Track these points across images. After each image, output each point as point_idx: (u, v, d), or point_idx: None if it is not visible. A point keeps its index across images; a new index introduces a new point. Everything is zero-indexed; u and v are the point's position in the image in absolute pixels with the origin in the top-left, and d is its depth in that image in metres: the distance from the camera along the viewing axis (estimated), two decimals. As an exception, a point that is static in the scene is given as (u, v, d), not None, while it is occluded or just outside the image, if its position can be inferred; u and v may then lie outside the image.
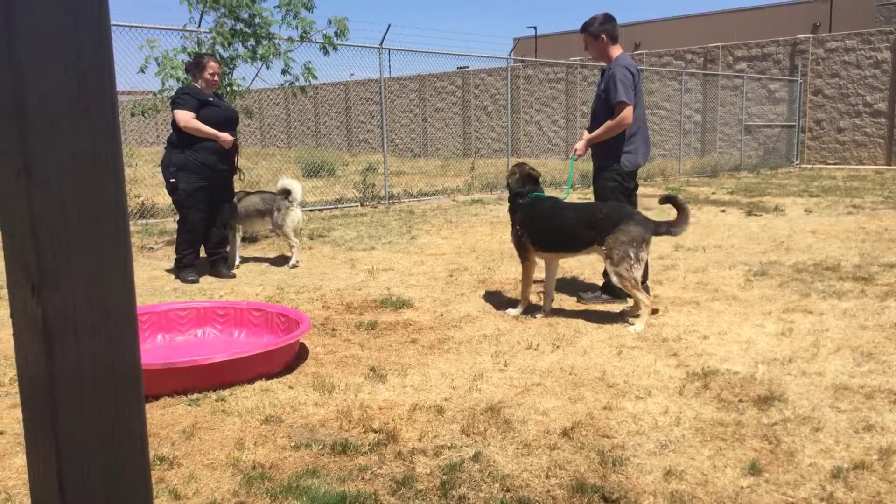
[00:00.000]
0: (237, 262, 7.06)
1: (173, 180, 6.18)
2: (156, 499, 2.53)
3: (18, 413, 3.10)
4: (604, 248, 4.83)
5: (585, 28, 5.45)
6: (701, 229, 9.09)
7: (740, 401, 3.43)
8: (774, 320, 4.85)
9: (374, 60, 12.95)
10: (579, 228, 4.94)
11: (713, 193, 13.69)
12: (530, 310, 5.17)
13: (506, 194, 5.71)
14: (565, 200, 5.38)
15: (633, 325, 4.76)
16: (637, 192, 5.61)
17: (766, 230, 8.93)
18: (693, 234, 8.66)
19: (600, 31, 5.37)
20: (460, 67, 27.28)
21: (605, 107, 5.32)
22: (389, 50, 13.27)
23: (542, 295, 5.27)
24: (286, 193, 6.95)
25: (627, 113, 5.19)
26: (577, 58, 24.05)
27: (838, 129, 21.50)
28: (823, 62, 21.64)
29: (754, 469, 2.73)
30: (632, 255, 4.76)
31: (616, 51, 5.41)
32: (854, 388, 3.58)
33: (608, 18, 5.41)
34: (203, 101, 6.11)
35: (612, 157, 5.35)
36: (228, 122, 6.28)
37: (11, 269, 0.88)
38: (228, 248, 6.89)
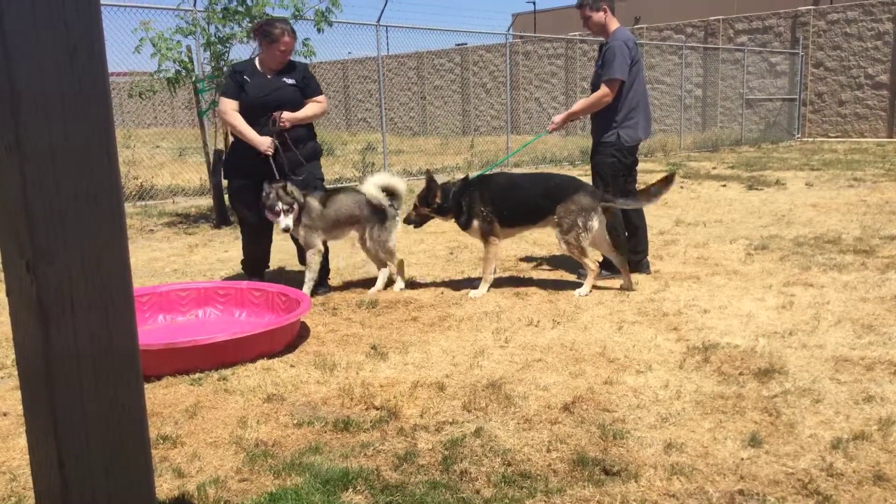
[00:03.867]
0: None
1: (223, 177, 5.72)
2: (159, 477, 2.55)
3: (22, 394, 3.09)
4: (555, 217, 4.98)
5: (583, 3, 5.38)
6: (702, 204, 9.07)
7: (741, 374, 3.44)
8: (775, 294, 4.86)
9: (372, 38, 12.86)
10: (537, 200, 5.06)
11: (714, 168, 13.65)
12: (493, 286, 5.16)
13: None
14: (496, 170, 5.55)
15: (580, 290, 4.98)
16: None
17: (766, 204, 8.90)
18: (694, 208, 8.65)
19: (600, 3, 5.32)
20: (459, 44, 27.08)
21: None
22: (387, 27, 13.17)
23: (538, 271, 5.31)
24: (391, 195, 5.19)
25: (612, 89, 5.23)
26: (577, 33, 23.82)
27: (840, 101, 21.37)
28: (825, 34, 21.45)
29: (754, 441, 2.75)
30: (580, 224, 4.92)
31: (614, 24, 5.37)
32: (854, 359, 3.59)
33: None
34: (241, 83, 4.95)
35: (611, 132, 5.32)
36: (264, 107, 4.92)
37: (6, 246, 0.87)
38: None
